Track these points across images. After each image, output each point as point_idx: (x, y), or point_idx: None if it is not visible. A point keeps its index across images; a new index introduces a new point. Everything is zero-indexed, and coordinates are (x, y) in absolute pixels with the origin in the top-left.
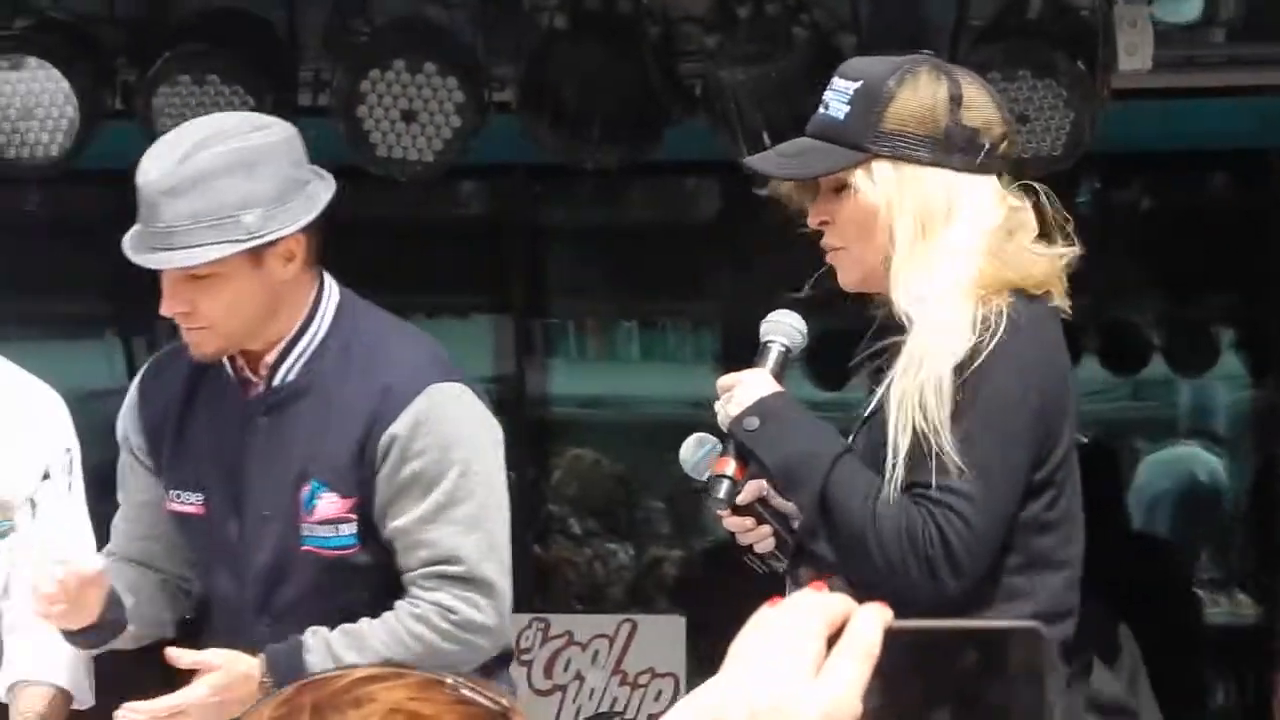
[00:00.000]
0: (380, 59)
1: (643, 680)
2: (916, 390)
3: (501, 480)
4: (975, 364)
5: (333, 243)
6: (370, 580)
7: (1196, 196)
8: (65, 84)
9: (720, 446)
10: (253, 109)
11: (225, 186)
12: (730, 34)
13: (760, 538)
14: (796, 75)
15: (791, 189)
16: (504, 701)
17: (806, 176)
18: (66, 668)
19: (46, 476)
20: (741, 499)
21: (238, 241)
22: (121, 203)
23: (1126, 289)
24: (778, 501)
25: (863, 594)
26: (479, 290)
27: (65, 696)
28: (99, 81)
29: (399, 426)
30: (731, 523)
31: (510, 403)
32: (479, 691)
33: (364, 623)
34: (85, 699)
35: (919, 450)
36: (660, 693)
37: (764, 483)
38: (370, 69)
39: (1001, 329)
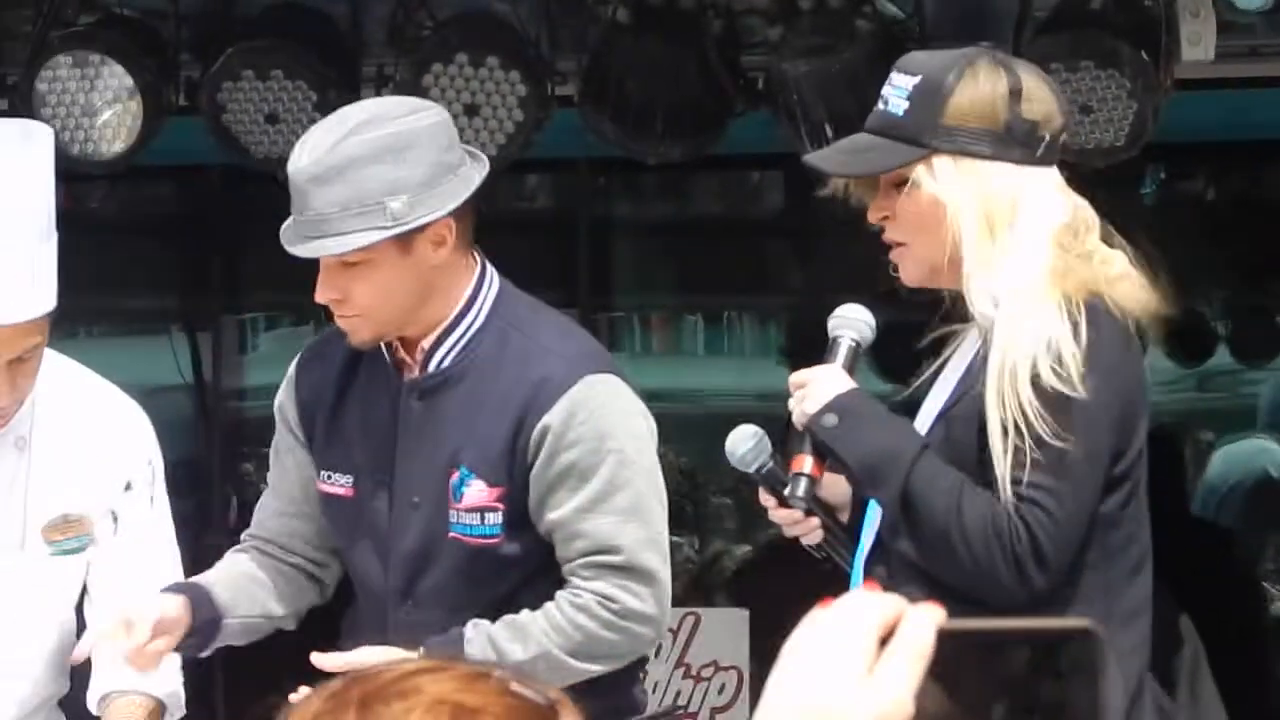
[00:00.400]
0: (443, 53)
1: (706, 673)
2: (1008, 392)
3: (657, 471)
4: (1062, 364)
5: None
6: (514, 571)
7: (1261, 186)
8: (129, 80)
9: (767, 439)
10: (315, 104)
11: (371, 174)
12: (793, 26)
13: (808, 529)
14: (859, 67)
15: (853, 184)
16: (551, 695)
17: (869, 174)
18: (160, 676)
19: (129, 488)
20: (787, 492)
21: (383, 228)
22: (187, 197)
23: (1191, 280)
24: (825, 494)
25: (942, 592)
26: (544, 284)
27: (159, 706)
28: (163, 78)
29: (552, 417)
30: (780, 515)
31: None
32: (527, 684)
33: (525, 614)
34: (178, 708)
35: (1003, 448)
36: (724, 686)
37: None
38: (433, 63)
39: (1084, 327)
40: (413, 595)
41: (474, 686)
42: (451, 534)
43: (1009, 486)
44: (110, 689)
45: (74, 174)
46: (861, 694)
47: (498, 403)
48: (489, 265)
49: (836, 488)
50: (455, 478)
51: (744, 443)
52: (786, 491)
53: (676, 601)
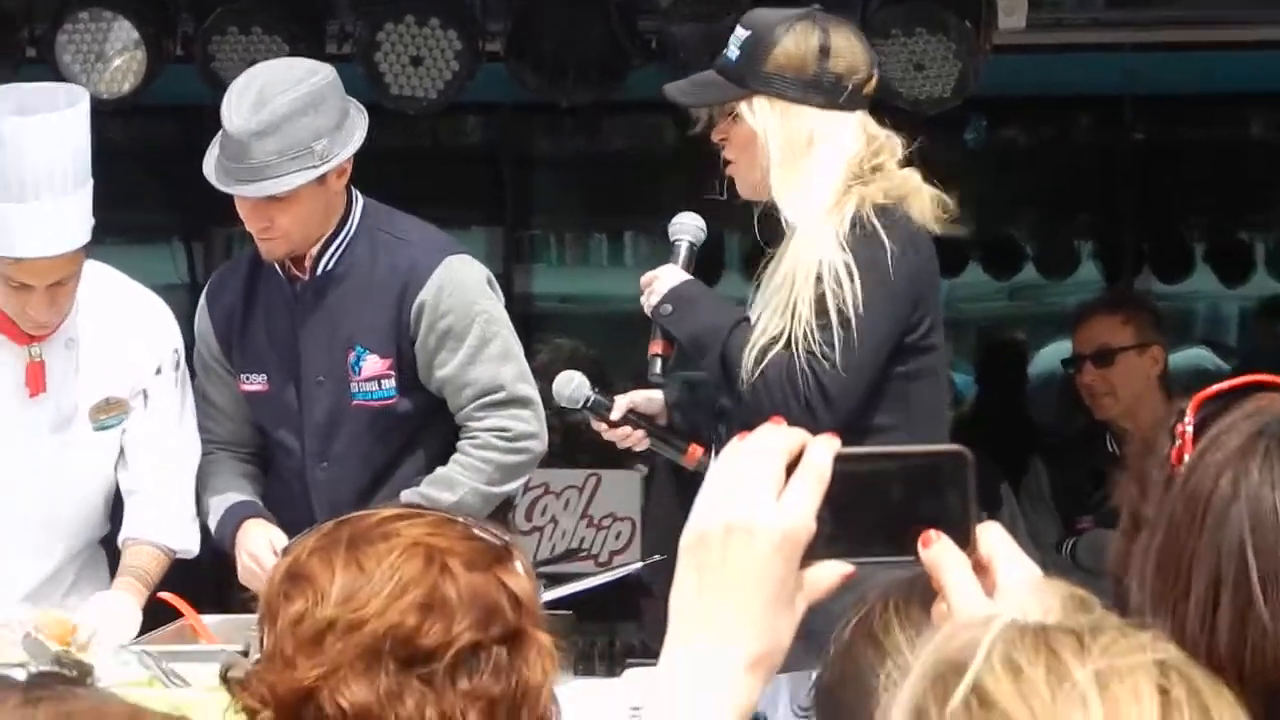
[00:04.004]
0: (394, 14)
1: (605, 523)
2: (799, 281)
3: (509, 323)
4: (849, 252)
5: (357, 168)
6: (408, 424)
7: (1064, 134)
8: (136, 33)
9: (585, 379)
10: (288, 54)
11: (300, 125)
12: None
13: (637, 440)
14: None
15: (707, 114)
16: (505, 538)
17: (699, 104)
18: (170, 528)
19: (158, 371)
20: (616, 414)
21: (313, 167)
22: (182, 130)
23: (1005, 208)
24: (642, 408)
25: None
26: (476, 207)
27: (167, 554)
28: (163, 31)
29: (426, 294)
30: (612, 435)
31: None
32: (485, 529)
33: (440, 468)
34: (190, 549)
35: (802, 323)
36: (620, 533)
37: (634, 396)
38: (385, 22)
39: (867, 226)
40: (327, 456)
41: (443, 530)
42: (355, 402)
43: (802, 349)
44: (128, 535)
45: (92, 110)
46: (772, 512)
47: (379, 289)
48: (353, 187)
49: (651, 404)
50: (352, 356)
51: (566, 386)
52: (591, 415)
53: (581, 465)
